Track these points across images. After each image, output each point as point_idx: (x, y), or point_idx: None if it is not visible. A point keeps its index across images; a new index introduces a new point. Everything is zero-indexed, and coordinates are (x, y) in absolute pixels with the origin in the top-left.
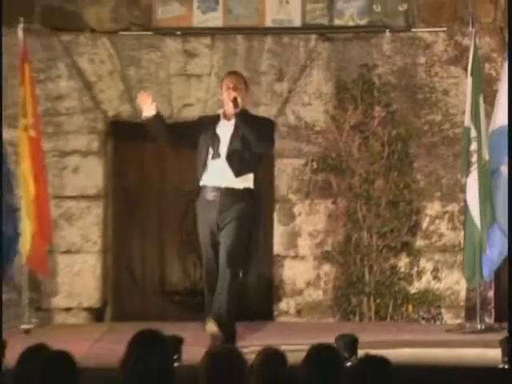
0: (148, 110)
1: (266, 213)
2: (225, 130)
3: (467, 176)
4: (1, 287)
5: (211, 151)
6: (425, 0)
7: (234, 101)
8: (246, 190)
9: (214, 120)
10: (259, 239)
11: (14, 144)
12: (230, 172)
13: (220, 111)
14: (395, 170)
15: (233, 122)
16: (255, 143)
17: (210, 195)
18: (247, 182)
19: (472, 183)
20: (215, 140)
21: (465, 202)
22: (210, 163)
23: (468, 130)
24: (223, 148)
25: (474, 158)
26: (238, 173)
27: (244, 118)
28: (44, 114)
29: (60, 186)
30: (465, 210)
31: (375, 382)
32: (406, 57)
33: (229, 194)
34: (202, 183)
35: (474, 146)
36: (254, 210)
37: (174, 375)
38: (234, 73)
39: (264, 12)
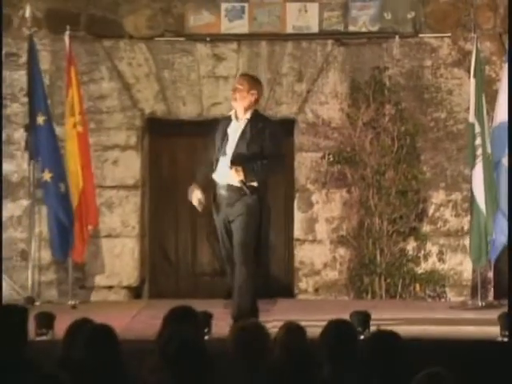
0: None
1: (286, 201)
2: (233, 131)
3: (473, 168)
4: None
5: (221, 149)
6: (431, 8)
7: (234, 102)
8: (250, 187)
9: (226, 120)
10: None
11: (61, 140)
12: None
13: (231, 112)
14: (404, 163)
15: (242, 123)
16: (258, 151)
17: (219, 190)
18: (250, 179)
19: (478, 174)
20: (225, 138)
21: (471, 191)
22: (220, 159)
23: (472, 126)
24: (230, 148)
25: (479, 152)
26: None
27: (248, 124)
28: (87, 112)
29: (102, 177)
30: (471, 198)
31: (386, 353)
32: (414, 60)
33: (234, 190)
34: (214, 179)
35: (478, 141)
36: (259, 205)
37: (204, 347)
38: (241, 74)
39: (285, 19)
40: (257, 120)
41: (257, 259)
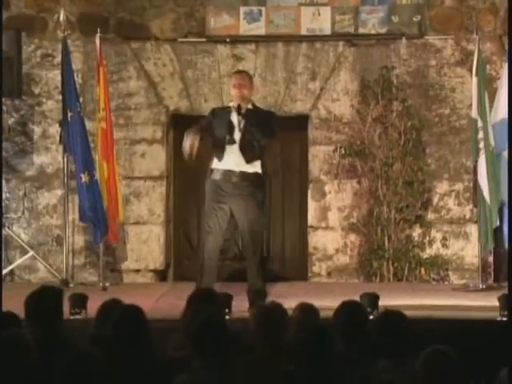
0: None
1: (301, 191)
2: (238, 122)
3: (477, 160)
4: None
5: (228, 137)
6: (435, 12)
7: (241, 97)
8: (255, 173)
9: (227, 111)
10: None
11: (92, 134)
12: (242, 158)
13: (231, 104)
14: (410, 155)
15: (244, 114)
16: (260, 136)
17: (228, 178)
18: (256, 167)
19: (481, 166)
20: (231, 128)
21: (476, 182)
22: (227, 148)
23: (475, 121)
24: (237, 136)
25: (482, 145)
26: (249, 160)
27: (250, 114)
28: (116, 108)
29: (130, 169)
30: (477, 189)
31: (393, 331)
32: (419, 60)
33: (241, 176)
34: (216, 166)
35: (481, 135)
36: (263, 191)
37: (225, 326)
38: (239, 72)
39: (300, 22)
40: (257, 110)
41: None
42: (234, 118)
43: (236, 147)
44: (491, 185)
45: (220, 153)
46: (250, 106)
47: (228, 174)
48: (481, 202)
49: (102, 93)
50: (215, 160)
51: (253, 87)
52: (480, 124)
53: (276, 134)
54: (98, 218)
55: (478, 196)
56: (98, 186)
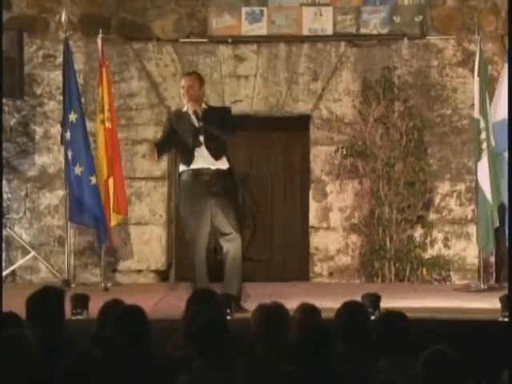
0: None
1: (302, 191)
2: (197, 123)
3: (479, 160)
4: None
5: (193, 140)
6: (437, 12)
7: (191, 99)
8: (226, 169)
9: (185, 115)
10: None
11: (93, 134)
12: (210, 157)
13: (185, 108)
14: (412, 156)
15: (201, 115)
16: (221, 133)
17: (197, 176)
18: (224, 163)
19: (483, 166)
20: (194, 131)
21: (476, 181)
22: (196, 151)
23: (478, 121)
24: (201, 137)
25: (484, 145)
26: (217, 157)
27: (207, 114)
28: (118, 109)
29: (132, 169)
30: (477, 188)
31: (394, 331)
32: (421, 60)
33: (214, 174)
34: (184, 168)
35: (483, 135)
36: (234, 184)
37: (226, 326)
38: (188, 74)
39: (301, 22)
40: (211, 108)
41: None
42: (194, 121)
43: (203, 148)
44: (493, 186)
45: (189, 157)
46: (204, 106)
47: (198, 172)
48: (481, 203)
49: (105, 93)
50: (183, 165)
51: (203, 87)
52: (482, 124)
53: (235, 128)
54: (98, 220)
55: (479, 196)
56: (98, 189)
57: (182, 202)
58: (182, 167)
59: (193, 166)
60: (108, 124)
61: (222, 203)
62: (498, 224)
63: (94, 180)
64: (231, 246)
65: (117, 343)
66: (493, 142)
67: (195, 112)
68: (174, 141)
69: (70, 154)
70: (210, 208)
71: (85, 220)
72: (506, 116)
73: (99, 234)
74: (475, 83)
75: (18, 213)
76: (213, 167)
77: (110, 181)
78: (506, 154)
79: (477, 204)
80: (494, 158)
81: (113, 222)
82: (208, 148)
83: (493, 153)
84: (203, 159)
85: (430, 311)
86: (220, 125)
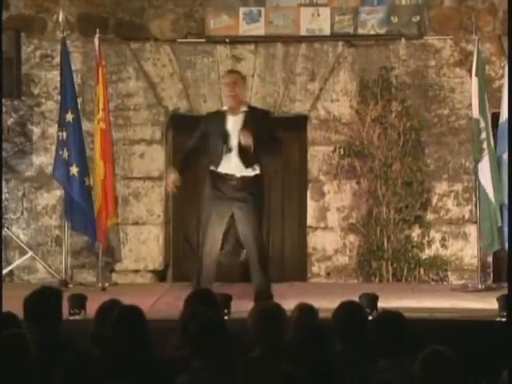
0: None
1: (300, 191)
2: (233, 126)
3: (480, 160)
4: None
5: (224, 147)
6: (435, 12)
7: (235, 97)
8: (255, 176)
9: (220, 116)
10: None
11: (91, 134)
12: (240, 164)
13: (225, 108)
14: (409, 156)
15: (240, 117)
16: (272, 153)
17: (224, 180)
18: (255, 169)
19: (485, 166)
20: (226, 135)
21: (478, 181)
22: (224, 156)
23: (477, 121)
24: (234, 143)
25: (485, 145)
26: (248, 165)
27: (248, 116)
28: (115, 109)
29: (129, 169)
30: (475, 188)
31: (391, 331)
32: (419, 60)
33: (241, 181)
34: (214, 168)
35: (483, 135)
36: (263, 192)
37: (224, 326)
38: (231, 71)
39: (299, 23)
40: (253, 111)
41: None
42: (230, 123)
43: (233, 154)
44: (495, 185)
45: (217, 161)
46: (245, 109)
47: (227, 176)
48: (483, 203)
49: (101, 93)
50: (211, 165)
51: (245, 86)
52: (482, 124)
53: (280, 140)
54: (87, 220)
55: (481, 196)
56: (90, 191)
57: (204, 202)
58: (211, 166)
59: (220, 170)
60: (102, 124)
61: (245, 210)
62: (500, 224)
63: (87, 181)
64: (252, 253)
65: (115, 343)
66: (492, 142)
67: (232, 109)
68: (203, 144)
69: (66, 153)
70: (230, 213)
71: (74, 221)
72: (505, 117)
73: (89, 235)
74: (473, 83)
75: (15, 213)
76: (238, 174)
77: (108, 181)
78: (505, 156)
79: (476, 204)
80: (495, 157)
81: (109, 223)
82: (240, 155)
83: (493, 152)
84: (230, 165)
85: (427, 311)
86: (267, 138)
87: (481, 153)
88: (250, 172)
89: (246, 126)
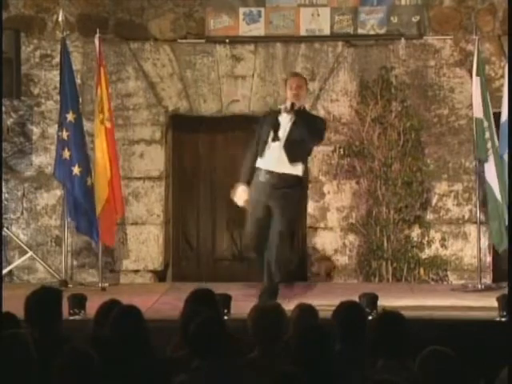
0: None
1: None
2: (285, 120)
3: (486, 160)
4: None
5: (272, 134)
6: (434, 12)
7: (296, 97)
8: (296, 176)
9: (274, 113)
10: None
11: (91, 134)
12: (285, 158)
13: (282, 106)
14: (409, 156)
15: (292, 114)
16: (308, 137)
17: (264, 177)
18: (297, 170)
19: (491, 165)
20: (276, 125)
21: (477, 182)
22: (271, 145)
23: (481, 121)
24: (283, 133)
25: (489, 145)
26: (292, 160)
27: (302, 115)
28: (115, 109)
29: (129, 169)
30: (486, 189)
31: (391, 331)
32: (419, 60)
33: (281, 178)
34: (259, 165)
35: (487, 135)
36: (300, 195)
37: (223, 326)
38: (295, 74)
39: (299, 23)
40: (305, 112)
41: (291, 246)
42: (282, 117)
43: (279, 145)
44: (500, 185)
45: (263, 150)
46: (300, 108)
47: (269, 175)
48: (491, 202)
49: (104, 93)
50: (259, 158)
51: (307, 90)
52: (486, 124)
53: (323, 135)
54: (91, 221)
55: (488, 195)
56: (93, 190)
57: (251, 196)
58: (257, 162)
59: (264, 164)
60: (108, 124)
61: (279, 207)
62: (507, 222)
63: (89, 182)
64: (271, 250)
65: (115, 343)
66: (497, 142)
67: (292, 104)
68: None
69: (67, 153)
70: (268, 209)
71: (80, 222)
72: (505, 118)
73: (92, 235)
74: (474, 83)
75: (15, 213)
76: (282, 171)
77: (114, 181)
78: (505, 157)
79: (476, 204)
80: (499, 156)
81: (113, 223)
82: (286, 146)
83: (498, 152)
84: (276, 157)
85: (427, 310)
86: (310, 128)
87: (486, 152)
88: (291, 170)
89: (298, 121)
